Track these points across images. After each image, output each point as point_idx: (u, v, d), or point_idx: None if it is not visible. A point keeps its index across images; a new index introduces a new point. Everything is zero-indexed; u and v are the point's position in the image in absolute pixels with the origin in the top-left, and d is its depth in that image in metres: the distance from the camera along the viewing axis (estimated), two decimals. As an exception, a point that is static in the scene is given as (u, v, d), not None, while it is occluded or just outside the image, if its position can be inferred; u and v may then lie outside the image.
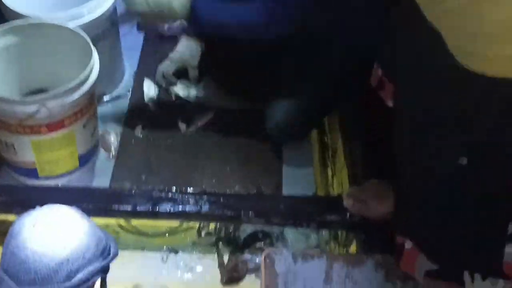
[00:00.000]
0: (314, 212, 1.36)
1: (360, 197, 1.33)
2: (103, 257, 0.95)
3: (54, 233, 0.90)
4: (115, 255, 0.98)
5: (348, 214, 1.33)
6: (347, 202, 1.33)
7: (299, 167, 1.67)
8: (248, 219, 1.37)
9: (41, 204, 1.09)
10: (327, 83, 1.57)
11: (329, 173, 1.64)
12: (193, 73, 1.81)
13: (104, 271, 0.96)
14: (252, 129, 1.69)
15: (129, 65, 1.93)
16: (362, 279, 1.21)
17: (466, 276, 1.06)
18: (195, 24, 1.51)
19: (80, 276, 0.89)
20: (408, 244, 1.12)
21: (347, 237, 1.43)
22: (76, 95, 1.39)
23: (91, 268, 0.91)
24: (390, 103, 1.15)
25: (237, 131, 1.69)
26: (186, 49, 1.82)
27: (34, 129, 1.41)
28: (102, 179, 1.62)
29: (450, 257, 1.09)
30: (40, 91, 1.65)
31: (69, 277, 0.88)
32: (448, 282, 1.10)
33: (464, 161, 0.95)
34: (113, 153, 1.68)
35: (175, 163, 1.65)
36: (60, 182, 1.56)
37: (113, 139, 1.70)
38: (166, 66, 1.81)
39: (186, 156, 1.67)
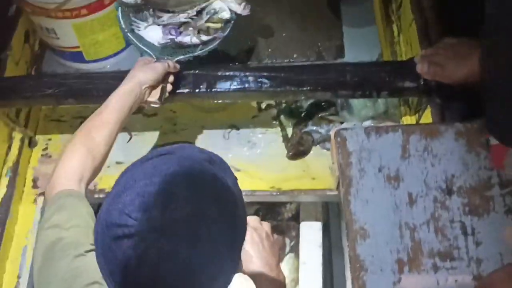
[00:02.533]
0: (383, 79, 1.24)
1: (434, 59, 1.20)
2: None
3: None
4: None
5: (422, 80, 1.21)
6: (420, 66, 1.20)
7: (360, 26, 1.53)
8: (313, 94, 1.27)
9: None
10: None
11: (395, 30, 1.48)
12: None
13: None
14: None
15: None
16: (442, 151, 1.12)
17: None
18: None
19: None
20: (493, 140, 1.02)
21: (419, 101, 1.32)
22: (114, -29, 1.27)
23: None
24: None
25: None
26: None
27: (74, 12, 1.31)
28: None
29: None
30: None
31: None
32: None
33: None
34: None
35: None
36: (108, 64, 1.49)
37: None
38: None
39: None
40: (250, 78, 1.26)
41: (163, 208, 0.65)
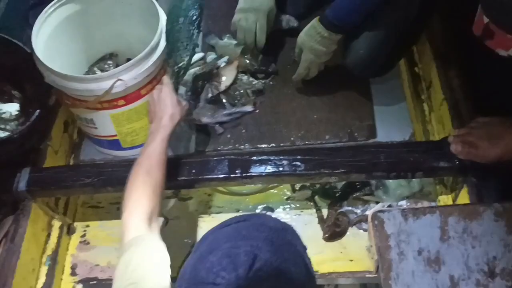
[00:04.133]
0: (418, 160, 1.24)
1: (468, 139, 1.20)
2: None
3: None
4: None
5: (456, 160, 1.21)
6: (454, 147, 1.21)
7: (391, 104, 1.54)
8: (347, 176, 1.28)
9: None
10: (412, 7, 1.41)
11: (426, 108, 1.50)
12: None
13: None
14: (334, 72, 1.56)
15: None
16: (482, 233, 1.11)
17: None
18: None
19: None
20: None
21: (455, 180, 1.32)
22: (149, 62, 1.32)
23: None
24: (502, 53, 0.99)
25: (318, 76, 1.55)
26: None
27: (112, 103, 1.35)
28: (185, 143, 1.56)
29: None
30: (106, 58, 1.60)
31: None
32: None
33: None
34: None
35: (259, 118, 1.56)
36: (145, 150, 1.52)
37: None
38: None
39: (270, 109, 1.57)
40: (284, 162, 1.28)
41: (248, 268, 0.72)
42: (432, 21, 1.49)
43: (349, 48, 1.45)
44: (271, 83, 1.62)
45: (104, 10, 1.49)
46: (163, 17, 1.37)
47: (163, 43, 1.34)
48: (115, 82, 1.28)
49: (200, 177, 1.30)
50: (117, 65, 1.58)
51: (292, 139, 1.49)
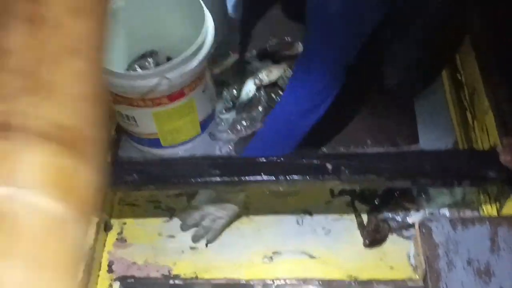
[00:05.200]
0: (465, 169, 1.23)
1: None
2: None
3: None
4: None
5: (506, 170, 1.19)
6: (504, 157, 1.19)
7: (433, 111, 1.53)
8: (392, 183, 1.26)
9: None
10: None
11: (469, 116, 1.48)
12: None
13: None
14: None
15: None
16: (533, 245, 1.09)
17: None
18: None
19: None
20: None
21: (500, 190, 1.30)
22: (195, 62, 1.31)
23: None
24: None
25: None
26: None
27: (155, 101, 1.35)
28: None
29: None
30: (147, 55, 1.60)
31: None
32: None
33: None
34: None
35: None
36: (183, 149, 1.52)
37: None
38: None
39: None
40: (329, 166, 1.27)
41: None
42: (475, 26, 1.47)
43: (385, 71, 1.44)
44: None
45: (148, 7, 1.48)
46: (208, 16, 1.36)
47: (208, 43, 1.33)
48: (160, 80, 1.28)
49: (242, 178, 1.29)
50: (157, 63, 1.57)
51: (334, 145, 1.48)
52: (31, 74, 0.37)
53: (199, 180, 1.29)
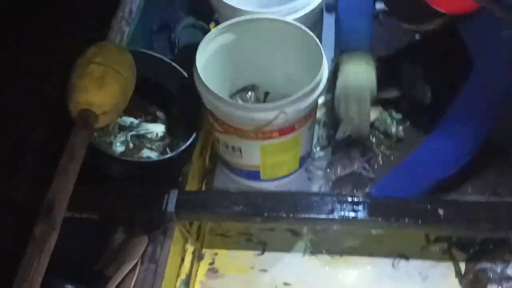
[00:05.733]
0: None
1: None
2: None
3: None
4: None
5: None
6: None
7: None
8: (492, 232, 1.26)
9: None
10: None
11: None
12: None
13: None
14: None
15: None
16: None
17: None
18: None
19: None
20: None
21: None
22: (311, 99, 1.32)
23: None
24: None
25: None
26: None
27: (267, 135, 1.36)
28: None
29: None
30: (246, 89, 1.62)
31: None
32: None
33: None
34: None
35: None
36: (280, 183, 1.52)
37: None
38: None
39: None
40: (440, 212, 1.26)
41: None
42: None
43: None
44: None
45: (256, 42, 1.50)
46: (324, 57, 1.38)
47: (324, 81, 1.35)
48: (278, 114, 1.29)
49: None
50: (257, 98, 1.59)
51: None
52: None
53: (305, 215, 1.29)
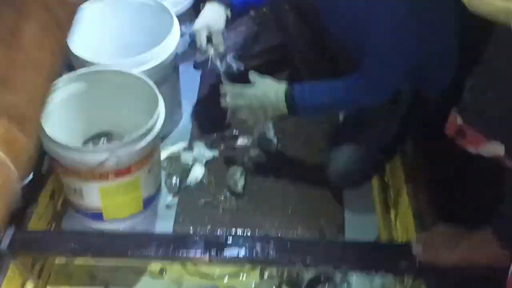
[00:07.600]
0: (382, 259, 1.34)
1: (429, 244, 1.31)
2: None
3: None
4: None
5: (417, 261, 1.31)
6: (416, 250, 1.31)
7: (361, 209, 1.67)
8: (316, 266, 1.36)
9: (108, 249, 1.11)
10: (391, 131, 1.57)
11: (392, 215, 1.62)
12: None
13: None
14: (313, 172, 1.69)
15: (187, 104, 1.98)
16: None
17: None
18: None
19: None
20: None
21: (414, 281, 1.41)
22: (143, 142, 1.42)
23: None
24: (473, 150, 1.12)
25: (298, 175, 1.68)
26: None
27: (103, 176, 1.44)
28: (164, 222, 1.66)
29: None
30: (101, 135, 1.70)
31: None
32: None
33: None
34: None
35: (237, 205, 1.68)
36: (124, 225, 1.59)
37: (174, 181, 1.73)
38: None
39: (248, 198, 1.68)
40: (258, 248, 1.36)
41: None
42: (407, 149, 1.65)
43: (331, 159, 1.59)
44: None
45: (105, 92, 1.60)
46: (161, 103, 1.49)
47: (159, 126, 1.45)
48: (109, 156, 1.38)
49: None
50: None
51: (266, 228, 1.59)
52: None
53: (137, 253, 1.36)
